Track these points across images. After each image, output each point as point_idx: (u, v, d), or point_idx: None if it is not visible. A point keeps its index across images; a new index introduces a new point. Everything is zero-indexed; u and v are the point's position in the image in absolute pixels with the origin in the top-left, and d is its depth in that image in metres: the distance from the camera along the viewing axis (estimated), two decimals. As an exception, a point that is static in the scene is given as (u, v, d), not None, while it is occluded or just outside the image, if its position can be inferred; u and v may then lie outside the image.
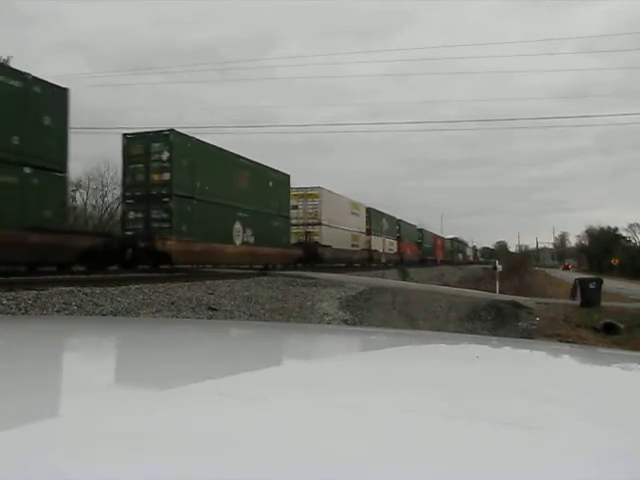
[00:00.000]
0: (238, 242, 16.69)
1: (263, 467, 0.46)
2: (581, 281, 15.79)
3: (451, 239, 72.56)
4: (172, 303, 9.01)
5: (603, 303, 14.76)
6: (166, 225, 13.82)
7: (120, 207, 18.99)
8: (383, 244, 34.21)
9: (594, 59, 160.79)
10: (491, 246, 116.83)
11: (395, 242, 37.46)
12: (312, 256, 21.83)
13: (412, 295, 14.29)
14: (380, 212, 34.11)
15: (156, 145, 13.92)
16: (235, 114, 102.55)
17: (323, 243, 23.71)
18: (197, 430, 0.55)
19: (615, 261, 65.90)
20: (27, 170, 9.93)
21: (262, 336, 1.47)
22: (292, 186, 21.44)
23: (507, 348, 1.38)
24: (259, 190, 17.85)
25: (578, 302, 14.94)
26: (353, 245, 28.12)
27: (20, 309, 6.99)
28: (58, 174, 10.82)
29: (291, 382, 0.83)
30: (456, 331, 9.57)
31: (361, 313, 11.36)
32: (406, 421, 0.61)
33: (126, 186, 14.51)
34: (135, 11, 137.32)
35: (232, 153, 16.71)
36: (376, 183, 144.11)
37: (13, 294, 7.54)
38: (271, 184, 18.94)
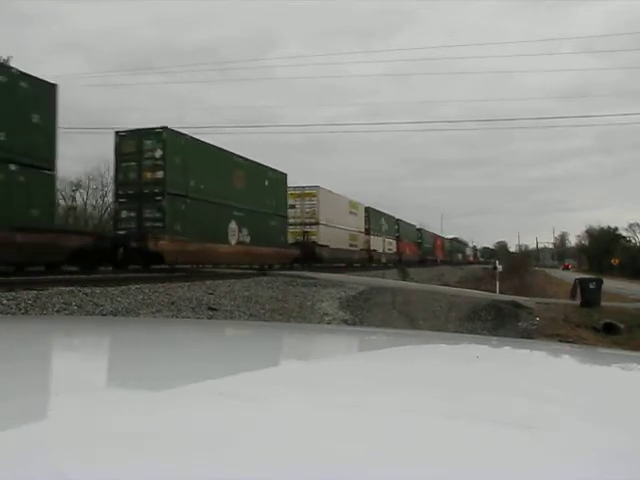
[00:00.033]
0: (233, 242, 16.49)
1: (263, 467, 0.46)
2: (581, 281, 15.79)
3: (451, 239, 72.69)
4: (172, 303, 9.01)
5: (603, 303, 14.76)
6: (159, 224, 13.50)
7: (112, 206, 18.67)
8: (382, 244, 34.15)
9: (594, 59, 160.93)
10: (491, 246, 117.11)
11: (394, 242, 37.38)
12: (309, 256, 21.73)
13: (412, 295, 14.29)
14: (379, 212, 34.01)
15: (149, 142, 13.61)
16: (235, 114, 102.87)
17: (321, 243, 23.63)
18: (197, 430, 0.55)
19: (615, 261, 65.87)
20: (13, 167, 9.57)
21: (262, 336, 1.47)
22: (290, 185, 21.38)
23: (507, 348, 1.38)
24: (255, 189, 17.60)
25: (578, 302, 14.94)
26: (351, 245, 28.04)
27: (20, 309, 6.99)
28: (46, 172, 10.44)
29: (291, 382, 0.83)
30: (456, 331, 9.57)
31: (361, 313, 11.36)
32: (406, 421, 0.61)
33: (118, 184, 14.21)
34: (135, 11, 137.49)
35: (227, 151, 16.44)
36: (376, 183, 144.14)
37: (13, 294, 7.55)
38: (267, 183, 18.73)
